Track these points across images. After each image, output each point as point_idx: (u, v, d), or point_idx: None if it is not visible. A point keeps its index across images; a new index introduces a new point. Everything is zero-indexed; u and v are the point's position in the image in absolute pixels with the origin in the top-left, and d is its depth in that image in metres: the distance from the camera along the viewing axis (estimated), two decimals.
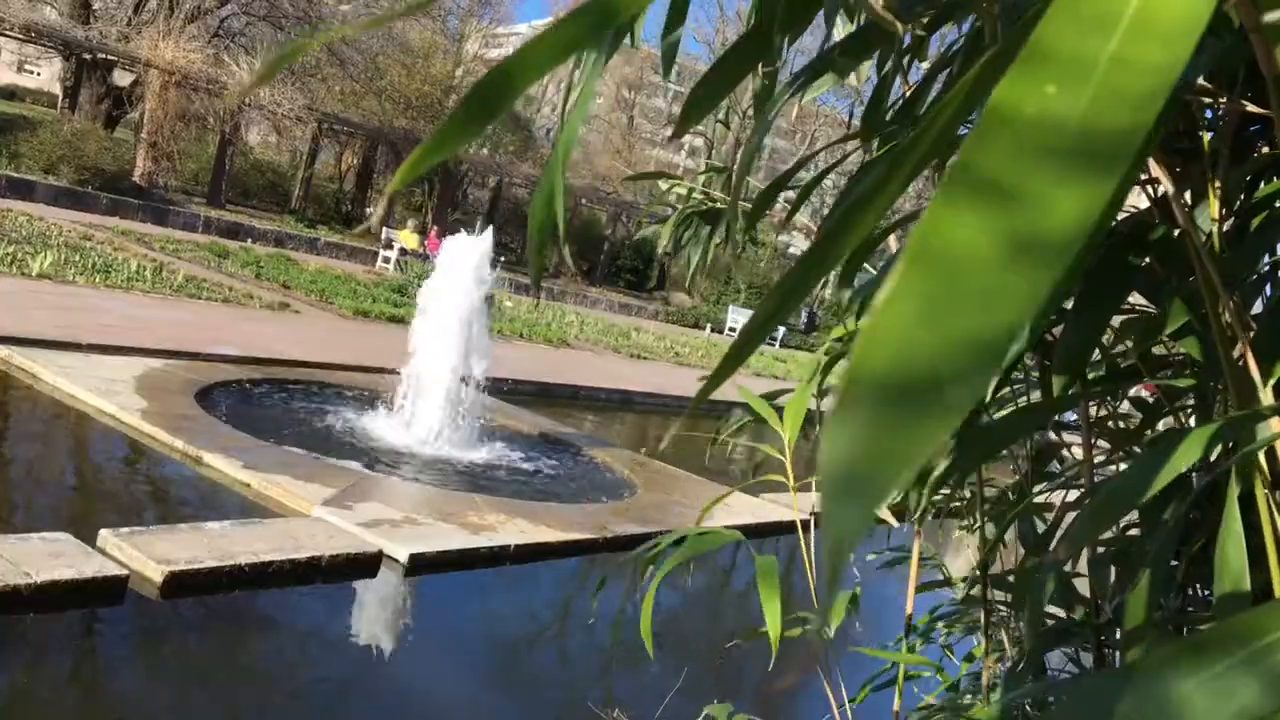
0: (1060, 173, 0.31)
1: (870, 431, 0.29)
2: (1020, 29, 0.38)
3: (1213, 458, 1.00)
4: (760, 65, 0.98)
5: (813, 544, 1.65)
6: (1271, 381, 0.79)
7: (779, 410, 1.62)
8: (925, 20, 1.07)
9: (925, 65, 1.30)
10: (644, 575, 1.46)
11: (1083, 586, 1.30)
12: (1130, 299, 1.13)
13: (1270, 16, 0.37)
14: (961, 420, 0.29)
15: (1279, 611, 0.36)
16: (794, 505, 1.59)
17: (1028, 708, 1.15)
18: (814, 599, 1.64)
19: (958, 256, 0.30)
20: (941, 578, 2.22)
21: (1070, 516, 1.16)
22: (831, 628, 1.70)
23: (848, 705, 1.58)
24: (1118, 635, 1.09)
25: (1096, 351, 1.14)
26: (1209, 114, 1.13)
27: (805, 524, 1.62)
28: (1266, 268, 1.15)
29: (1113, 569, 1.06)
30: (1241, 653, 0.35)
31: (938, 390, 0.29)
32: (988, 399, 1.11)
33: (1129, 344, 1.09)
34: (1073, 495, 1.40)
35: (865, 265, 1.51)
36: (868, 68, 1.36)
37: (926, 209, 0.31)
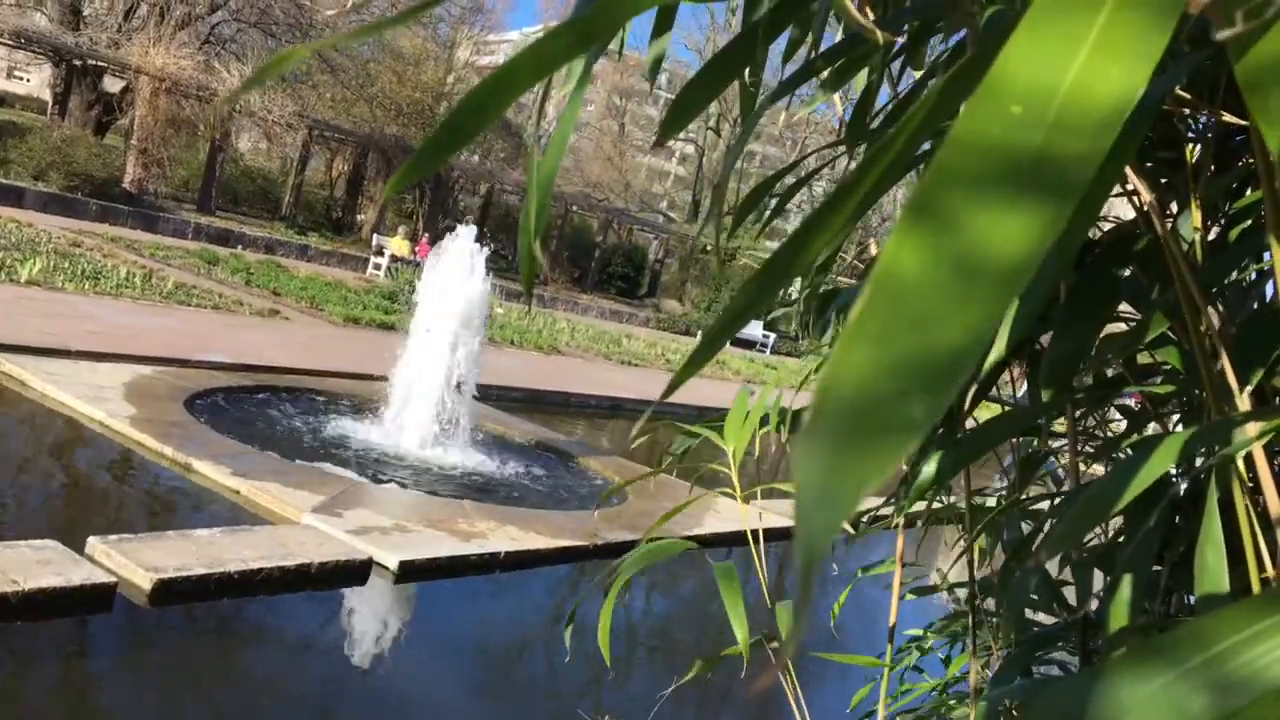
0: (1009, 206, 0.33)
1: (837, 448, 0.31)
2: (980, 50, 0.39)
3: (1198, 463, 1.01)
4: (746, 73, 0.99)
5: (761, 555, 1.67)
6: (1249, 388, 0.80)
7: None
8: (912, 29, 1.08)
9: (918, 74, 1.31)
10: (618, 587, 1.49)
11: (1070, 594, 1.31)
12: (1121, 308, 1.14)
13: (1224, 34, 0.38)
14: (921, 437, 0.31)
15: (1231, 618, 0.37)
16: (742, 515, 1.62)
17: (1012, 710, 1.16)
18: (769, 608, 1.66)
19: (914, 285, 0.33)
20: (931, 585, 2.23)
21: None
22: (791, 641, 1.71)
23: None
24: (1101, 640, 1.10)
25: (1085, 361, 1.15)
26: (1200, 122, 1.14)
27: (755, 534, 1.65)
28: (1253, 277, 1.16)
29: (1096, 572, 1.07)
30: (1194, 659, 0.36)
31: (898, 410, 0.31)
32: (968, 407, 1.12)
33: (1111, 356, 1.10)
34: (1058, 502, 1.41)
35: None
36: (862, 77, 1.37)
37: (889, 237, 0.33)
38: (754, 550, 1.63)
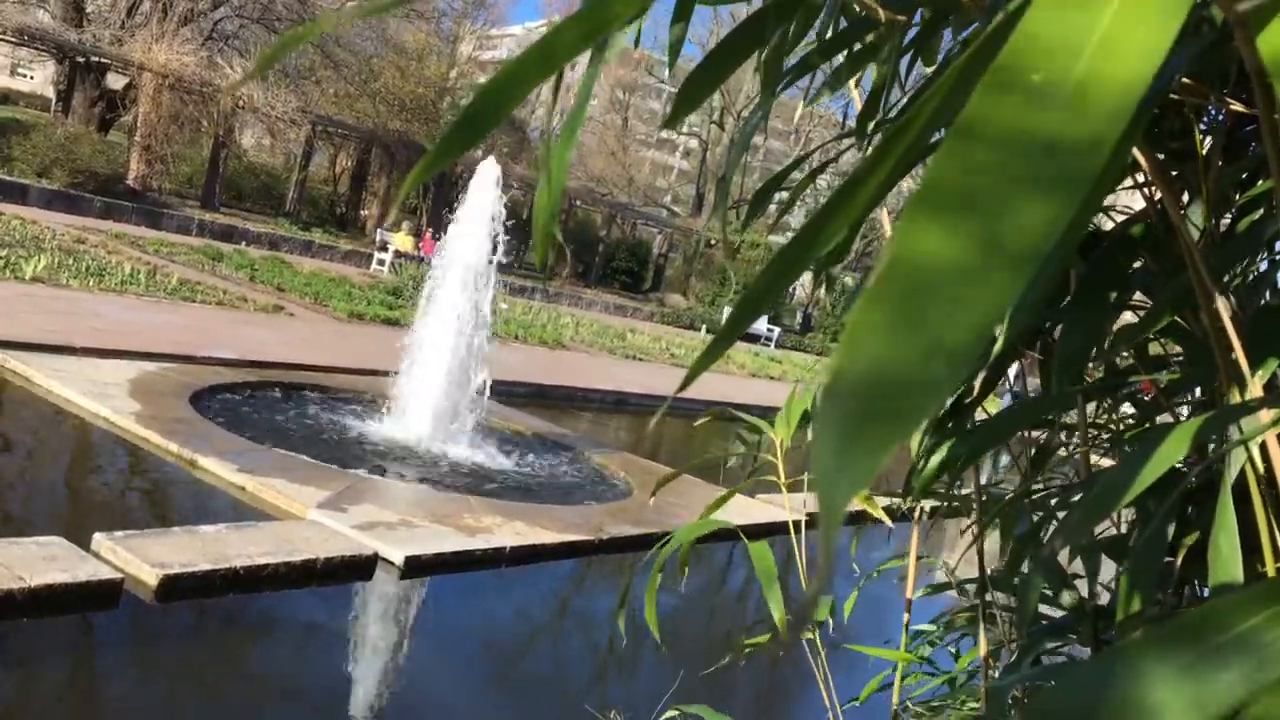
0: (1027, 181, 0.33)
1: (853, 421, 0.31)
2: (996, 29, 0.39)
3: (1209, 454, 1.00)
4: (766, 52, 0.98)
5: (802, 544, 1.69)
6: (1262, 377, 0.79)
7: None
8: (924, 19, 1.07)
9: (929, 70, 1.31)
10: (667, 553, 1.52)
11: (1082, 587, 1.31)
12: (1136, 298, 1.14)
13: (1245, 5, 0.37)
14: (932, 414, 0.31)
15: (1251, 601, 0.36)
16: (785, 504, 1.64)
17: (1022, 697, 1.16)
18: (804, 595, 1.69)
19: (926, 268, 0.33)
20: (942, 579, 2.23)
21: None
22: (816, 623, 1.73)
23: (838, 707, 1.59)
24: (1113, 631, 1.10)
25: (1096, 352, 1.14)
26: (1211, 112, 1.14)
27: (797, 524, 1.66)
28: (1265, 266, 1.16)
29: (1105, 559, 1.07)
30: (1214, 641, 0.36)
31: (910, 389, 0.32)
32: (978, 393, 1.12)
33: (1121, 347, 1.10)
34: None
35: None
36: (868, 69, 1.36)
37: (900, 221, 0.33)
38: (794, 540, 1.64)
